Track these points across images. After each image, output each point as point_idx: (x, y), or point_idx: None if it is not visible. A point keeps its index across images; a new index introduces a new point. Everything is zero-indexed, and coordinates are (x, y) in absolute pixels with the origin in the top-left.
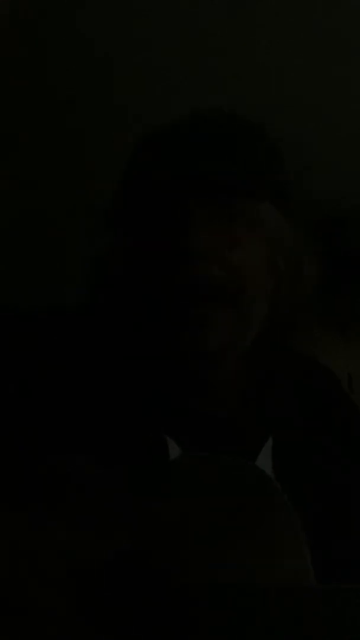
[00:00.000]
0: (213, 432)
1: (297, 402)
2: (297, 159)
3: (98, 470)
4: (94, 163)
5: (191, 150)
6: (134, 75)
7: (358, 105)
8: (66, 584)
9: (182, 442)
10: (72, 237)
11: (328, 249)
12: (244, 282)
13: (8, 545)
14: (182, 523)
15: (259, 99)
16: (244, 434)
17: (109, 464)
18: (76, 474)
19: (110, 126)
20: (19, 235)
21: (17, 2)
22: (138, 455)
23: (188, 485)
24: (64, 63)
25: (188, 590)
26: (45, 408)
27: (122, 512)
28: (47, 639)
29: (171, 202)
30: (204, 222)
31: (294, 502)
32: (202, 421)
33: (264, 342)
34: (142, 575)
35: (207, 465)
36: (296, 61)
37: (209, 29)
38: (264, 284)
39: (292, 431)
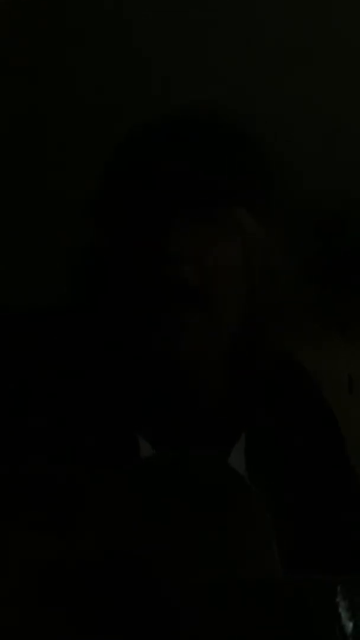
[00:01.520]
0: (185, 430)
1: (269, 399)
2: (297, 159)
3: (64, 470)
4: (91, 161)
5: (171, 153)
6: (123, 72)
7: (358, 104)
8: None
9: (154, 440)
10: (65, 237)
11: (328, 248)
12: (218, 285)
13: None
14: (152, 520)
15: (259, 98)
16: (216, 432)
17: (80, 462)
18: (40, 476)
19: (109, 126)
20: (12, 235)
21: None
22: (109, 453)
23: (158, 483)
24: (57, 58)
25: (159, 586)
26: (16, 406)
27: (91, 510)
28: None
29: (149, 205)
30: (180, 225)
31: (265, 497)
32: (174, 420)
33: (237, 342)
34: (114, 574)
35: (178, 463)
36: (296, 60)
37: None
38: (239, 287)
39: (264, 428)
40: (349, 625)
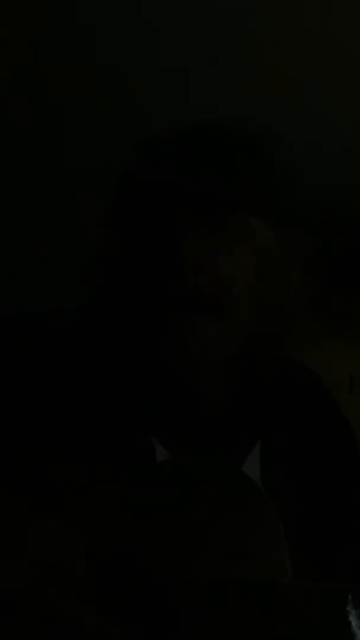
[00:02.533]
0: (201, 436)
1: (284, 407)
2: (297, 159)
3: (84, 474)
4: (94, 167)
5: (186, 162)
6: (133, 80)
7: (358, 104)
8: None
9: (169, 446)
10: (71, 241)
11: (328, 249)
12: (230, 293)
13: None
14: (167, 524)
15: (259, 98)
16: (231, 439)
17: (96, 467)
18: (63, 480)
19: (112, 130)
20: (18, 238)
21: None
22: (125, 458)
23: (173, 487)
24: (62, 67)
25: (171, 587)
26: (31, 411)
27: (109, 513)
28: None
29: (163, 212)
30: (194, 232)
31: (279, 505)
32: (190, 426)
33: (252, 348)
34: (130, 574)
35: (192, 468)
36: (297, 62)
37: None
38: (251, 295)
39: (279, 436)
40: (359, 634)
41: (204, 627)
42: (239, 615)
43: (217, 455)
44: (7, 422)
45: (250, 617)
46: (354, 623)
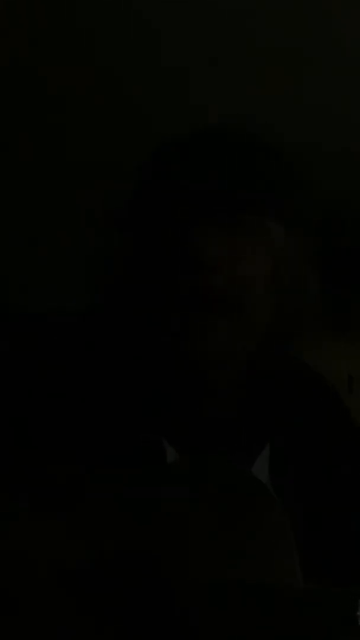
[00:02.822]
0: (211, 438)
1: (295, 411)
2: (298, 159)
3: (87, 473)
4: (98, 167)
5: (205, 164)
6: (133, 80)
7: (358, 104)
8: (64, 586)
9: (179, 447)
10: (77, 239)
11: (328, 249)
12: (246, 294)
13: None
14: (176, 525)
15: (259, 98)
16: (241, 441)
17: (106, 468)
18: (65, 480)
19: (114, 129)
20: (22, 238)
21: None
22: (135, 458)
23: (183, 488)
24: (62, 67)
25: (181, 590)
26: (44, 410)
27: (114, 513)
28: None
29: (182, 214)
30: (212, 234)
31: (288, 508)
32: (200, 427)
33: (264, 351)
34: (139, 576)
35: (202, 470)
36: (296, 61)
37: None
38: (267, 296)
39: (288, 438)
40: None
41: (208, 630)
42: (246, 619)
43: (227, 457)
44: (12, 422)
45: (258, 621)
46: None
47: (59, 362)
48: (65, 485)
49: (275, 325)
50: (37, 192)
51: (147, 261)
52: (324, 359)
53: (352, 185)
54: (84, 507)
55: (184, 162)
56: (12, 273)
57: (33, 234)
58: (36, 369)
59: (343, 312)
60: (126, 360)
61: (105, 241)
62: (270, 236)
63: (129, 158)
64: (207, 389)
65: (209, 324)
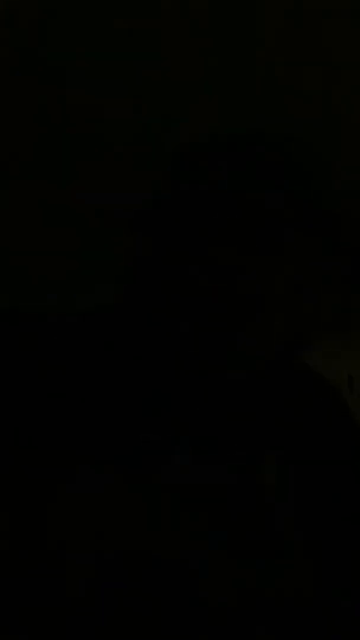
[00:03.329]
0: (217, 443)
1: (300, 417)
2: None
3: (96, 475)
4: (94, 167)
5: (226, 170)
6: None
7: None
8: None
9: (183, 448)
10: (72, 241)
11: (328, 248)
12: (263, 299)
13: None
14: (179, 530)
15: (259, 98)
16: (246, 447)
17: (110, 468)
18: (75, 479)
19: (113, 129)
20: (18, 238)
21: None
22: (141, 462)
23: (187, 493)
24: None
25: (183, 596)
26: (45, 410)
27: (119, 516)
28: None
29: (202, 219)
30: (232, 239)
31: (291, 511)
32: (206, 432)
33: (274, 357)
34: (138, 577)
35: (207, 474)
36: (296, 61)
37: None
38: (283, 301)
39: (294, 445)
40: None
41: (208, 631)
42: (249, 625)
43: (233, 462)
44: (13, 422)
45: (264, 629)
46: None
47: (60, 363)
48: (69, 484)
49: (292, 332)
50: (36, 192)
51: (166, 264)
52: (324, 359)
53: (352, 185)
54: (85, 507)
55: (205, 168)
56: (13, 273)
57: (34, 234)
58: (37, 369)
59: (343, 312)
60: (133, 361)
61: (122, 243)
62: (289, 244)
63: (141, 160)
64: (214, 393)
65: (229, 329)
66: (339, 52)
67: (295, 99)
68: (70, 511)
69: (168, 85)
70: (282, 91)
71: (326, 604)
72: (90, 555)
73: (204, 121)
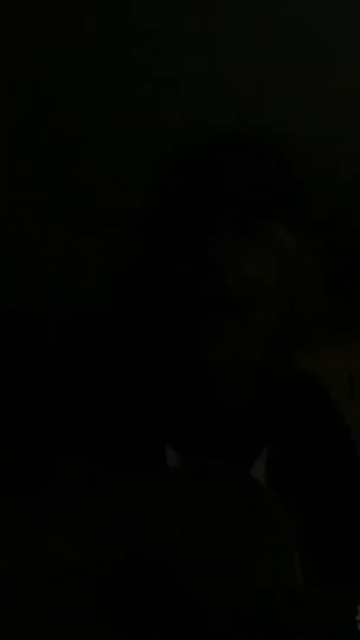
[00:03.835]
0: (211, 441)
1: (293, 416)
2: (306, 164)
3: (96, 474)
4: (94, 166)
5: (216, 169)
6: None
7: (358, 104)
8: (63, 588)
9: (180, 450)
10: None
11: (328, 249)
12: (255, 296)
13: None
14: (176, 527)
15: (259, 97)
16: (241, 443)
17: (109, 468)
18: (74, 478)
19: (114, 133)
20: (18, 238)
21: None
22: (137, 461)
23: (183, 491)
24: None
25: (179, 592)
26: (49, 409)
27: (119, 515)
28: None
29: (193, 216)
30: (223, 237)
31: (286, 510)
32: (200, 430)
33: (271, 354)
34: (137, 578)
35: (202, 472)
36: (295, 60)
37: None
38: (275, 299)
39: (286, 444)
40: None
41: (207, 631)
42: (247, 623)
43: (227, 460)
44: (13, 422)
45: (259, 624)
46: None
47: (60, 363)
48: (68, 484)
49: (281, 329)
50: (36, 192)
51: (158, 263)
52: (324, 359)
53: (352, 185)
54: (86, 508)
55: (197, 167)
56: (12, 273)
57: (35, 234)
58: (37, 369)
59: (343, 312)
60: (131, 361)
61: (116, 243)
62: (279, 240)
63: (136, 159)
64: (210, 391)
65: (218, 325)
66: (336, 51)
67: (287, 96)
68: (61, 506)
69: (164, 83)
70: (275, 88)
71: (323, 599)
72: (85, 554)
73: (198, 120)
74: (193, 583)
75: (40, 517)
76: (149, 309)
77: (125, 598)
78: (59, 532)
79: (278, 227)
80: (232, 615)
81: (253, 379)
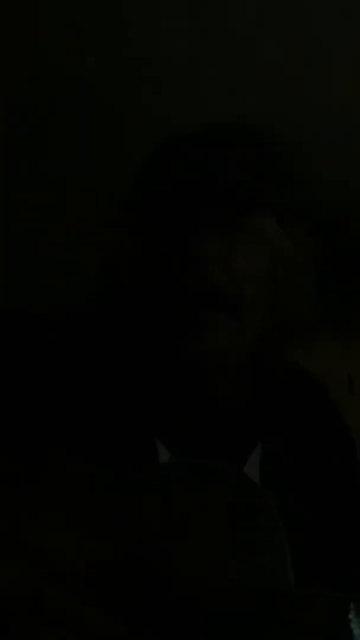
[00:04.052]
0: (203, 437)
1: (286, 413)
2: (298, 159)
3: (89, 471)
4: (97, 165)
5: (204, 163)
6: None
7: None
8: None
9: (172, 446)
10: (71, 241)
11: (328, 249)
12: (244, 290)
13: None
14: (167, 525)
15: (259, 98)
16: (233, 440)
17: (100, 465)
18: (69, 475)
19: (110, 132)
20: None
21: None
22: (128, 457)
23: (175, 488)
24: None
25: (170, 592)
26: (41, 407)
27: (111, 512)
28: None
29: (181, 211)
30: (210, 231)
31: (279, 509)
32: (193, 426)
33: (258, 351)
34: (129, 576)
35: (194, 470)
36: (296, 61)
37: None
38: (264, 293)
39: (280, 440)
40: None
41: (204, 631)
42: (240, 622)
43: (219, 457)
44: (11, 419)
45: (251, 623)
46: (355, 632)
47: (57, 362)
48: (65, 482)
49: (271, 324)
50: (36, 192)
51: (147, 258)
52: (324, 359)
53: (353, 185)
54: (81, 506)
55: (184, 160)
56: (12, 273)
57: (33, 233)
58: (35, 369)
59: (343, 312)
60: (123, 359)
61: (106, 239)
62: (269, 235)
63: (127, 156)
64: (201, 387)
65: (207, 321)
66: (336, 51)
67: (287, 96)
68: (54, 505)
69: (164, 83)
70: (275, 88)
71: (317, 598)
72: (82, 553)
73: (197, 120)
74: (186, 582)
75: (40, 516)
76: (140, 306)
77: (121, 598)
78: (58, 532)
79: (268, 223)
80: (226, 615)
81: (244, 375)
